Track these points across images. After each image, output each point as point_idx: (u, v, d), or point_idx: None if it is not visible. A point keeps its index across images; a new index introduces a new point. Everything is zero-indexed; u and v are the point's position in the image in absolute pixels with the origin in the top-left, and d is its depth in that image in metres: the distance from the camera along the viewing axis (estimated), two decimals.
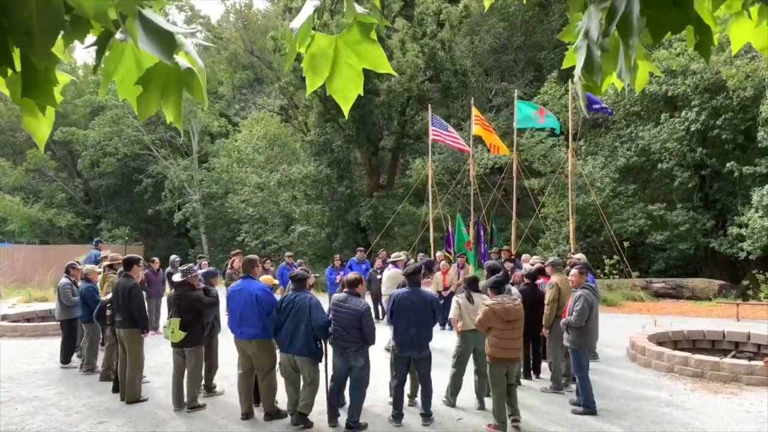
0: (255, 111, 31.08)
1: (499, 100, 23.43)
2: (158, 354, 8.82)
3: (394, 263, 9.66)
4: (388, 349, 7.57)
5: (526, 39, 24.33)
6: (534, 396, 6.84)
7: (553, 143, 19.64)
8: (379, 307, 11.57)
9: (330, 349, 5.74)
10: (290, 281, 5.92)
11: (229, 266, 11.33)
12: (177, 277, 6.46)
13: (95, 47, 1.27)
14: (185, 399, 6.27)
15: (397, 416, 5.78)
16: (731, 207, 17.87)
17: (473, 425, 5.80)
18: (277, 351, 5.91)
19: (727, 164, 16.88)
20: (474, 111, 15.37)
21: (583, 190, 17.38)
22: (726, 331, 9.32)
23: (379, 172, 23.09)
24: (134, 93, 1.37)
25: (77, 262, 9.25)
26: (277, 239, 24.10)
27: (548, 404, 6.52)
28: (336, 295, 5.74)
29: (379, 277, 10.98)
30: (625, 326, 10.92)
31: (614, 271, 16.81)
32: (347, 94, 1.59)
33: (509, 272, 8.86)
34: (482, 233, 14.79)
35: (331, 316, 5.60)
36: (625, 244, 16.91)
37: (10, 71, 1.15)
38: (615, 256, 16.04)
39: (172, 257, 11.88)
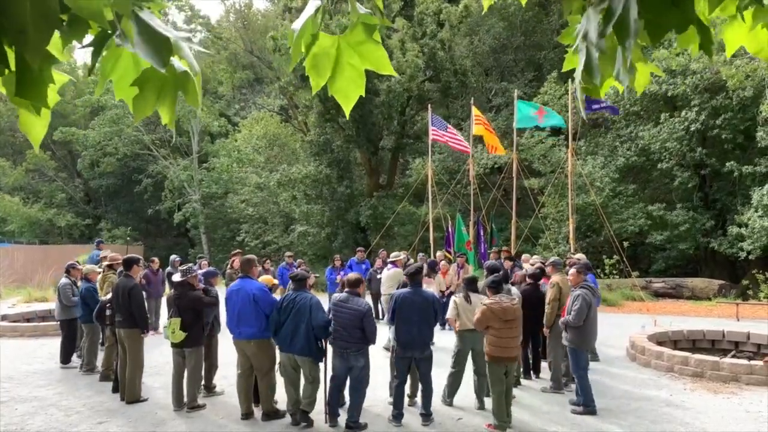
0: (255, 111, 31.09)
1: (499, 100, 23.43)
2: (158, 354, 8.81)
3: (393, 263, 9.69)
4: (387, 348, 7.57)
5: (525, 39, 24.33)
6: (534, 396, 6.84)
7: (553, 143, 19.64)
8: (379, 307, 11.57)
9: (330, 349, 5.74)
10: (291, 281, 5.93)
11: (229, 266, 11.33)
12: (177, 277, 6.46)
13: (92, 48, 1.26)
14: (185, 399, 6.27)
15: (397, 416, 5.78)
16: (731, 207, 17.88)
17: (473, 425, 5.80)
18: (277, 351, 5.91)
19: (727, 164, 16.89)
20: (474, 111, 15.37)
21: (582, 189, 17.38)
22: (726, 330, 9.32)
23: (379, 172, 23.09)
24: (131, 93, 1.37)
25: (77, 262, 9.25)
26: (276, 239, 24.10)
27: (548, 404, 6.51)
28: (336, 295, 5.74)
29: (379, 276, 10.99)
30: (624, 326, 10.92)
31: (614, 271, 16.82)
32: (349, 94, 1.58)
33: (509, 271, 8.87)
34: (482, 233, 14.79)
35: (331, 316, 5.60)
36: (625, 243, 16.93)
37: (6, 70, 1.14)
38: (615, 256, 16.05)
39: (172, 257, 11.88)
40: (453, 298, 6.49)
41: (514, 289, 6.98)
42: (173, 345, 6.21)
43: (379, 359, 7.44)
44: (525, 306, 6.78)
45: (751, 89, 15.87)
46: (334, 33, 1.58)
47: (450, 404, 6.39)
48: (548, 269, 7.68)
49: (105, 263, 9.02)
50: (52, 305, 10.66)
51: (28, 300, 15.32)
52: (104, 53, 1.32)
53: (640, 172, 20.52)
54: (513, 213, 15.38)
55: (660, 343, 8.83)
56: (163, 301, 9.57)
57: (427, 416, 5.81)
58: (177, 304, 6.17)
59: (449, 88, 21.29)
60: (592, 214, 17.62)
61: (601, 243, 18.58)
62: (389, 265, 9.88)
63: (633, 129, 19.54)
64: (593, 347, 7.96)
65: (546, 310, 7.07)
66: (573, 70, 1.55)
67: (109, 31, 1.21)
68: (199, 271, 6.91)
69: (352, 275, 5.80)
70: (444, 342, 8.72)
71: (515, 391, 6.69)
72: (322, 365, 5.77)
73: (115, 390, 6.94)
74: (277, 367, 5.93)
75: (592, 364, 7.29)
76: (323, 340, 5.71)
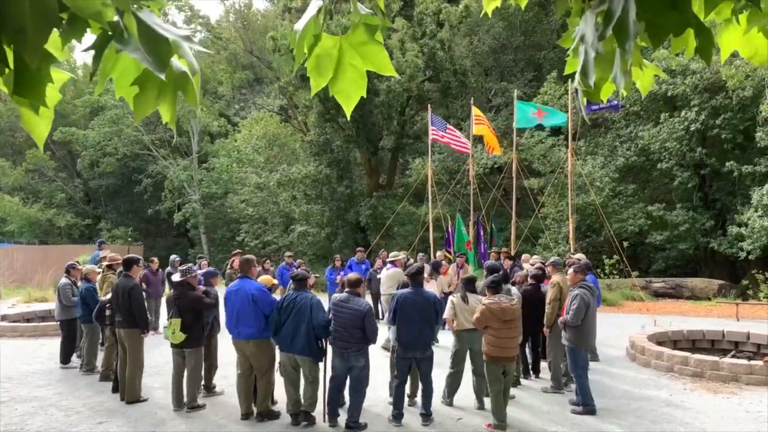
0: (255, 111, 31.08)
1: (499, 100, 23.44)
2: (158, 354, 8.81)
3: (393, 263, 9.70)
4: (385, 348, 7.57)
5: (525, 39, 24.34)
6: (534, 396, 6.84)
7: (553, 143, 19.64)
8: (379, 307, 11.57)
9: (329, 348, 5.74)
10: (291, 281, 5.93)
11: (229, 266, 11.32)
12: (176, 277, 6.46)
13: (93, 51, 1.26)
14: (185, 399, 6.27)
15: (397, 416, 5.78)
16: (731, 207, 17.88)
17: (473, 425, 5.80)
18: (277, 351, 5.91)
19: (727, 164, 16.90)
20: (475, 110, 15.37)
21: (582, 189, 17.38)
22: (725, 330, 9.32)
23: (379, 172, 23.09)
24: (131, 91, 1.37)
25: (78, 262, 9.25)
26: (276, 239, 24.10)
27: (548, 404, 6.51)
28: (337, 295, 5.74)
29: (378, 276, 10.99)
30: (624, 326, 10.92)
31: (614, 271, 16.82)
32: (351, 95, 1.58)
33: (509, 271, 8.87)
34: (482, 233, 14.79)
35: (331, 315, 5.60)
36: (625, 243, 16.92)
37: (6, 69, 1.14)
38: (615, 256, 16.05)
39: (172, 257, 11.88)
40: (450, 298, 6.50)
41: (514, 290, 6.98)
42: (173, 345, 6.21)
43: (379, 359, 7.44)
44: (525, 306, 6.79)
45: (751, 89, 15.88)
46: (334, 33, 1.57)
47: (450, 404, 6.39)
48: (548, 269, 7.69)
49: (104, 263, 9.02)
50: (52, 305, 10.65)
51: (28, 300, 15.32)
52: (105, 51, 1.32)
53: (640, 172, 20.53)
54: (513, 213, 15.38)
55: (660, 343, 8.83)
56: (163, 301, 9.57)
57: (427, 416, 5.81)
58: (177, 304, 6.16)
59: (449, 88, 21.29)
60: (592, 214, 17.62)
61: (601, 243, 18.58)
62: (389, 265, 9.88)
63: (633, 129, 19.55)
64: (593, 347, 7.97)
65: (546, 310, 7.07)
66: (574, 73, 1.55)
67: (110, 33, 1.21)
68: (199, 272, 6.91)
69: (352, 275, 5.80)
70: (444, 341, 8.72)
71: (515, 391, 6.70)
72: (321, 365, 5.77)
73: (114, 390, 6.94)
74: (276, 366, 5.93)
75: (591, 364, 7.29)
76: (323, 340, 5.72)
